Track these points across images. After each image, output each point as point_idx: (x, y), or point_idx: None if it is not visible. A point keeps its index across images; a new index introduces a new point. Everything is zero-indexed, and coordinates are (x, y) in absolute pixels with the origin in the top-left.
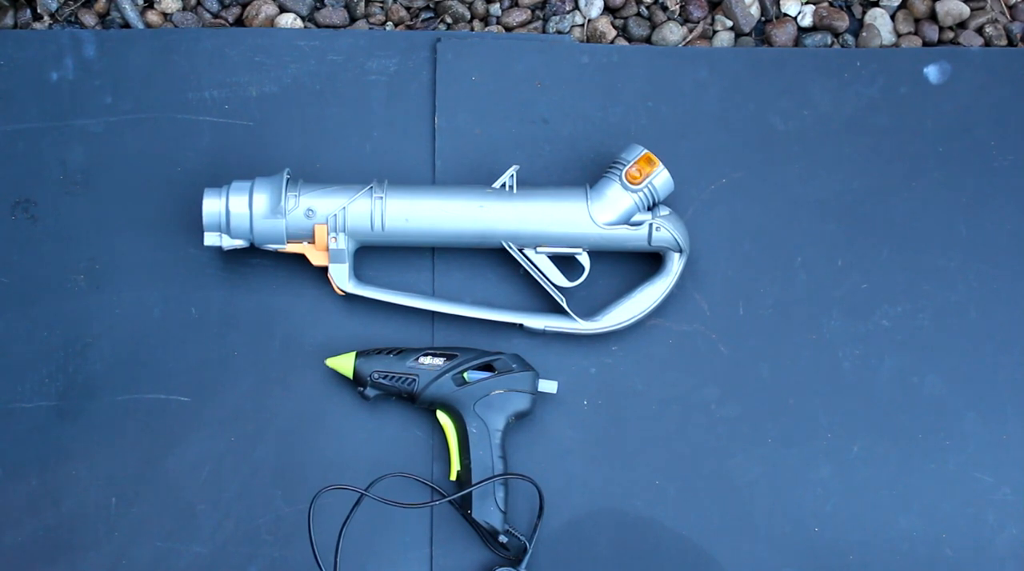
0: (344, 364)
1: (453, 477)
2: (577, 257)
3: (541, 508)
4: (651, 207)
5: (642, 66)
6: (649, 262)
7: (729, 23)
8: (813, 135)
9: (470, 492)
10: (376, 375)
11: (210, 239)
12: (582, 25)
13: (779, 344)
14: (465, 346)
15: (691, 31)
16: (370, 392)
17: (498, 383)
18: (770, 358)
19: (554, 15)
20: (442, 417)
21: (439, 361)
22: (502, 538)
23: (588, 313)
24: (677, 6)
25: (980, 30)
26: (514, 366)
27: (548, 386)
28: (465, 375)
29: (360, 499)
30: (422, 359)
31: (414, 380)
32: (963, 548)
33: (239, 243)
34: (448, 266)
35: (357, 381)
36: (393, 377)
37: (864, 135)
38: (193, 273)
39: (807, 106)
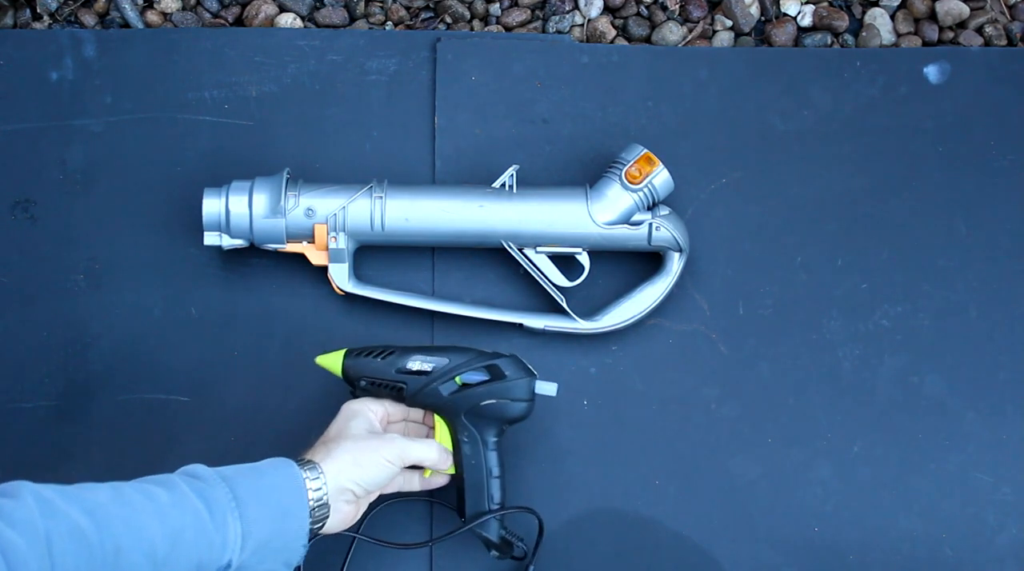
0: (333, 362)
1: (451, 471)
2: (577, 257)
3: (541, 532)
4: (651, 207)
5: (642, 66)
6: (649, 262)
7: (729, 23)
8: (813, 135)
9: (464, 497)
10: (364, 382)
11: (210, 239)
12: (582, 25)
13: (779, 344)
14: (460, 345)
15: (691, 31)
16: (361, 394)
17: (490, 392)
18: (770, 358)
19: (554, 15)
20: (437, 416)
21: (428, 366)
22: (496, 546)
23: (588, 313)
24: (677, 6)
25: (980, 30)
26: (507, 373)
27: (547, 388)
28: (457, 379)
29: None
30: (411, 364)
31: (402, 389)
32: (963, 548)
33: (239, 243)
34: (448, 266)
35: (347, 380)
36: (381, 385)
37: (864, 135)
38: (193, 273)
39: (807, 106)
